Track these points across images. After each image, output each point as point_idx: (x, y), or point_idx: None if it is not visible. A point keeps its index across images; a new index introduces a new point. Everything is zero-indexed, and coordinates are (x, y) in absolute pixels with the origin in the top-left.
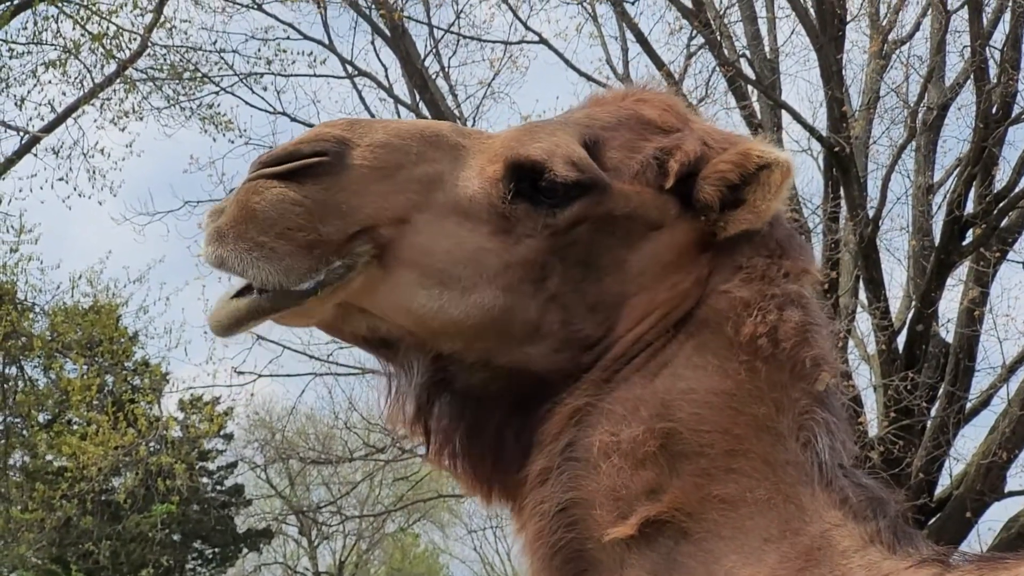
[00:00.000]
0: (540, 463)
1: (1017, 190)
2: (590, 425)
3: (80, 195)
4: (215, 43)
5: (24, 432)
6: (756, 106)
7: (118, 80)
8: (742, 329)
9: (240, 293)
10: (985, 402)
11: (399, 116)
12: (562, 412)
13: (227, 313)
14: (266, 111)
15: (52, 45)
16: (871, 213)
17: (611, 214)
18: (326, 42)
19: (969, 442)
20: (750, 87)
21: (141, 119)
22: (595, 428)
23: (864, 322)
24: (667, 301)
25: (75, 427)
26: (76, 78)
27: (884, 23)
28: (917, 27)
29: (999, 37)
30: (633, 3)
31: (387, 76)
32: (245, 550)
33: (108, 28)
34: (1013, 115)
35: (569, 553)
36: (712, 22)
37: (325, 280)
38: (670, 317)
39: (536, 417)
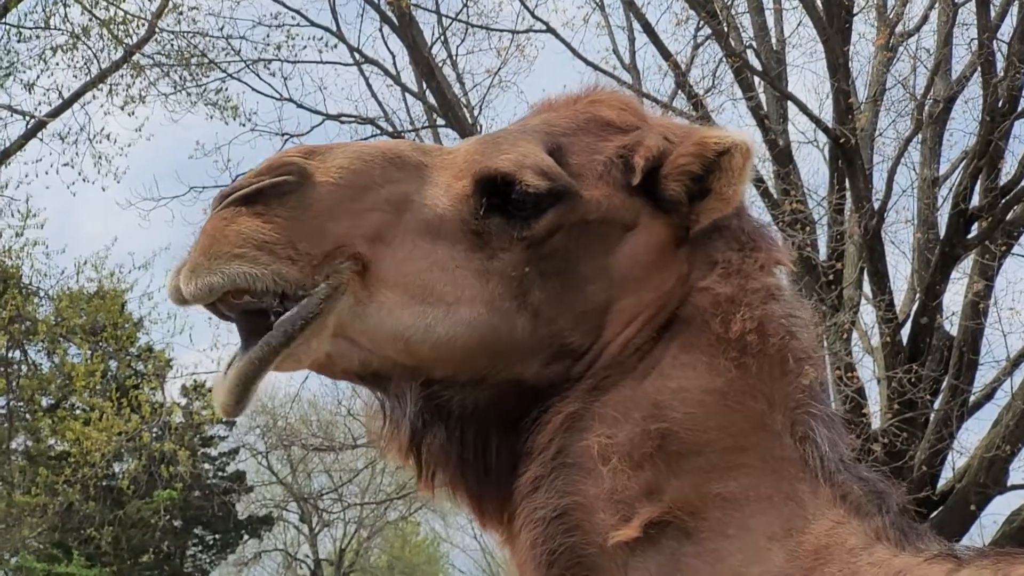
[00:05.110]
0: (532, 471)
1: (1023, 184)
2: (583, 430)
3: (85, 180)
4: (222, 29)
5: (27, 416)
6: (762, 97)
7: (125, 66)
8: (731, 326)
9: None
10: (989, 395)
11: (406, 104)
12: (553, 420)
13: (230, 386)
14: (273, 97)
15: (60, 30)
16: (876, 205)
17: (585, 220)
18: (334, 29)
19: (972, 435)
20: (756, 78)
21: (144, 103)
22: (589, 432)
23: (868, 314)
24: (653, 302)
25: (78, 412)
26: (83, 64)
27: (891, 15)
28: (924, 20)
29: (1007, 30)
30: None
31: (395, 63)
32: (246, 536)
33: (116, 14)
34: (1020, 109)
35: (568, 559)
36: (719, 13)
37: (310, 303)
38: (657, 318)
39: (525, 428)
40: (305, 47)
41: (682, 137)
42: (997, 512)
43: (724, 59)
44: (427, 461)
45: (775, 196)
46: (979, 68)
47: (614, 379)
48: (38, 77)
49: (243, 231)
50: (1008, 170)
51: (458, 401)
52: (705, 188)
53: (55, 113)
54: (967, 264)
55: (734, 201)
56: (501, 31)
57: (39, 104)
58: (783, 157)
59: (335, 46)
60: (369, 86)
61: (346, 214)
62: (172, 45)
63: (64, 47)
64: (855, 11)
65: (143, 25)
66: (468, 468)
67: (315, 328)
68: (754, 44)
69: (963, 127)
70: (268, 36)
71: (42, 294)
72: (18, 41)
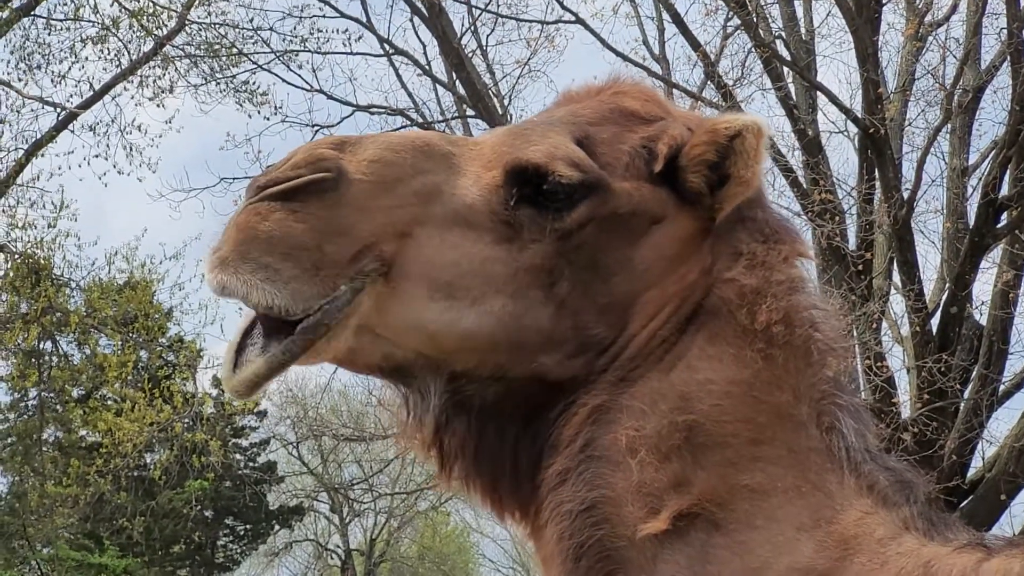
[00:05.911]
0: (558, 465)
1: None
2: (610, 422)
3: (119, 172)
4: (251, 20)
5: (59, 407)
6: (792, 87)
7: (156, 57)
8: (757, 317)
9: (242, 343)
10: (1019, 384)
11: (436, 95)
12: (579, 413)
13: (247, 378)
14: (303, 89)
15: (90, 21)
16: (906, 195)
17: (615, 212)
18: (363, 20)
19: (1002, 424)
20: (786, 68)
21: (174, 94)
22: (616, 424)
23: (898, 304)
24: (677, 294)
25: (110, 403)
26: (113, 55)
27: (920, 5)
28: (954, 9)
29: None
30: None
31: (425, 54)
32: (277, 527)
33: (146, 5)
34: None
35: (597, 553)
36: (748, 3)
37: (331, 310)
38: (682, 310)
39: (549, 422)
40: (328, 40)
41: (699, 127)
42: None
43: (753, 49)
44: (447, 454)
45: (805, 186)
46: (1009, 57)
47: (641, 371)
48: (69, 69)
49: (274, 233)
50: None
51: (479, 394)
52: (724, 175)
53: (86, 105)
54: (996, 253)
55: (754, 183)
56: (531, 22)
57: (70, 96)
58: (812, 147)
59: (359, 38)
60: (399, 77)
61: (377, 211)
62: (202, 36)
63: (94, 39)
64: (884, 1)
65: (173, 16)
66: (486, 461)
67: (336, 331)
68: (783, 34)
69: (993, 117)
70: (295, 29)
71: (73, 285)
72: (48, 33)
